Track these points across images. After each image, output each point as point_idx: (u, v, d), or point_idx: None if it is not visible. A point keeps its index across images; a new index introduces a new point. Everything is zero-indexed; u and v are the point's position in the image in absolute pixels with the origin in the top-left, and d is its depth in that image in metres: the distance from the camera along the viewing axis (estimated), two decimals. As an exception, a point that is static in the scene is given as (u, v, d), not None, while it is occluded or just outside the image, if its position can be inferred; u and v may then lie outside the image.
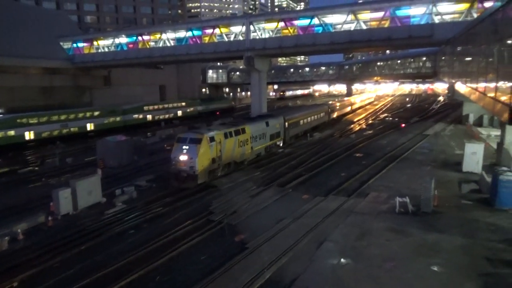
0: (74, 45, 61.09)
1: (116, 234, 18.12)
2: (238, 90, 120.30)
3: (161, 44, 53.84)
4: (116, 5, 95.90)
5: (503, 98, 12.79)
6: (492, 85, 14.96)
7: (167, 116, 64.55)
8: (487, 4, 32.45)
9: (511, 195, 18.87)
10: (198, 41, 50.94)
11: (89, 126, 50.57)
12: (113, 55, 57.24)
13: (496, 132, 37.50)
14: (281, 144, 37.43)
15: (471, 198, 20.81)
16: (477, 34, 20.41)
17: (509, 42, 12.76)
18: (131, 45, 56.55)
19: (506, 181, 18.76)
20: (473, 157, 25.98)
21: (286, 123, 38.09)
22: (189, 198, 22.89)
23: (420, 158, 31.32)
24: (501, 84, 13.65)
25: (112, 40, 58.33)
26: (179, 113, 67.65)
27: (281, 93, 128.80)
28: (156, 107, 62.70)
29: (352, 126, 53.48)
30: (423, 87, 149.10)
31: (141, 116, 59.04)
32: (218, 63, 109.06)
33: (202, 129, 27.66)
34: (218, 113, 76.82)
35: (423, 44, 48.32)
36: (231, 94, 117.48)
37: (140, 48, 55.45)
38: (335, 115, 58.01)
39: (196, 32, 50.85)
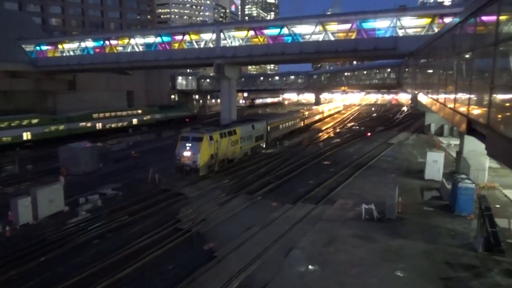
0: (38, 48, 58.86)
1: (79, 244, 17.45)
2: (208, 97, 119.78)
3: (129, 49, 52.86)
4: (82, 9, 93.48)
5: (462, 109, 13.42)
6: (452, 96, 15.68)
7: (120, 124, 59.64)
8: (447, 20, 34.14)
9: (469, 202, 19.76)
10: (168, 47, 50.42)
11: (26, 135, 45.31)
12: (78, 59, 55.58)
13: (455, 142, 39.30)
14: (264, 145, 40.74)
15: (432, 205, 21.61)
16: (437, 48, 21.39)
17: (466, 56, 13.44)
18: (97, 50, 55.14)
19: (464, 189, 19.65)
20: (435, 165, 27.07)
21: (268, 127, 41.85)
22: (156, 207, 22.43)
23: (385, 166, 32.26)
24: (460, 96, 14.34)
25: (78, 44, 56.67)
26: (134, 121, 62.98)
27: (251, 101, 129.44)
28: (107, 114, 57.93)
29: (320, 134, 54.41)
30: (388, 97, 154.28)
31: (89, 124, 54.26)
32: (188, 70, 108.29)
33: (201, 130, 31.49)
34: (187, 119, 76.05)
35: (388, 56, 50.08)
36: (200, 101, 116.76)
37: (107, 53, 54.16)
38: (307, 122, 60.26)
39: (165, 38, 50.30)
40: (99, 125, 55.94)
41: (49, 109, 61.11)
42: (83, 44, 55.94)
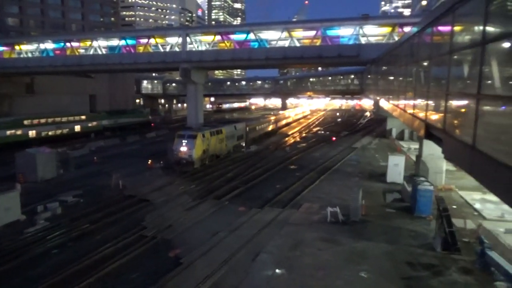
0: (-8, 48, 56.01)
1: (37, 255, 16.64)
2: (174, 101, 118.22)
3: (91, 52, 51.34)
4: (42, 9, 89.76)
5: (420, 115, 14.00)
6: (411, 103, 16.34)
7: (59, 131, 52.47)
8: (406, 29, 35.64)
9: (428, 204, 20.59)
10: (133, 51, 49.41)
11: None
12: (38, 61, 53.33)
13: (415, 146, 40.88)
14: (243, 144, 44.43)
15: (394, 207, 22.35)
16: (397, 56, 22.26)
17: (424, 64, 14.06)
18: (58, 52, 53.17)
19: (424, 191, 20.46)
20: (396, 168, 28.03)
21: (247, 128, 46.25)
22: (120, 214, 21.80)
23: (349, 170, 33.05)
24: (419, 102, 14.96)
25: (36, 45, 54.43)
26: (77, 128, 55.92)
27: (218, 106, 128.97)
28: (43, 120, 50.35)
29: (287, 139, 55.01)
30: (352, 103, 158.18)
31: (19, 132, 46.65)
32: (154, 74, 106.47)
33: (195, 128, 36.70)
34: (153, 124, 74.56)
35: (351, 63, 51.54)
36: (166, 105, 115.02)
37: (68, 55, 52.35)
38: (276, 126, 62.18)
39: (130, 41, 49.31)
40: (32, 133, 48.32)
41: (3, 113, 58.11)
42: (42, 46, 53.78)
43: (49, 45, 53.70)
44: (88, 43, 51.70)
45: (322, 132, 64.78)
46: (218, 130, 37.70)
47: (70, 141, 51.00)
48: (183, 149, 32.81)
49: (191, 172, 31.93)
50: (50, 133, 51.21)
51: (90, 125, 59.22)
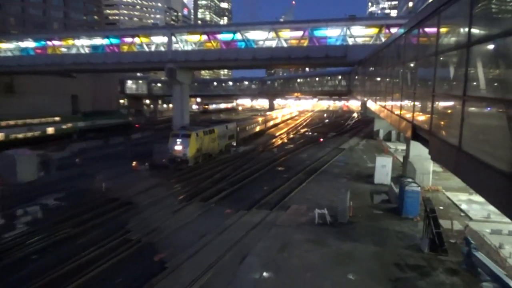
0: (-31, 47, 54.72)
1: (16, 260, 16.30)
2: (160, 102, 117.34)
3: (74, 51, 50.59)
4: (22, 7, 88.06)
5: (407, 116, 14.18)
6: (398, 104, 16.54)
7: (30, 134, 49.66)
8: (393, 30, 36.11)
9: (415, 205, 20.87)
10: (117, 50, 48.87)
11: None
12: (18, 60, 52.32)
13: (402, 147, 41.43)
14: (234, 144, 45.92)
15: (381, 208, 22.59)
16: (384, 57, 22.52)
17: (411, 65, 14.26)
18: (39, 51, 52.25)
19: (411, 192, 20.73)
20: (383, 169, 28.35)
21: (238, 128, 47.76)
22: (104, 217, 21.52)
23: (336, 171, 33.30)
24: (405, 103, 15.16)
25: (16, 43, 53.37)
26: (50, 130, 53.42)
27: (205, 106, 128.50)
28: (12, 122, 48.06)
29: (274, 140, 55.14)
30: (339, 104, 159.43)
31: None
32: (138, 74, 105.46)
33: (189, 128, 37.69)
34: (137, 125, 73.81)
35: (338, 63, 51.95)
36: (151, 106, 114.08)
37: (50, 54, 51.50)
38: (264, 126, 63.14)
39: (114, 40, 48.75)
40: (0, 136, 46.13)
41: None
42: (22, 44, 52.78)
43: (29, 44, 52.73)
44: (70, 42, 50.93)
45: (310, 133, 65.13)
46: (211, 129, 39.16)
47: (46, 144, 48.74)
48: (178, 147, 34.20)
49: (178, 174, 31.79)
50: (20, 135, 48.42)
51: (64, 127, 56.88)
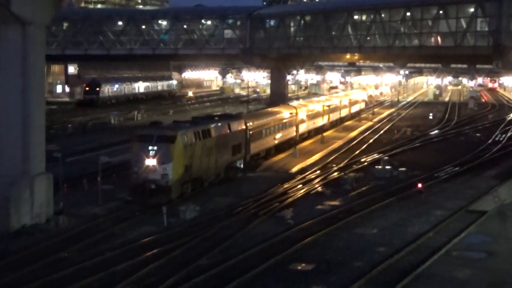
0: None
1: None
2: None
3: None
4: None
5: None
6: None
7: None
8: None
9: None
10: None
11: None
12: None
13: None
14: (241, 164, 30.38)
15: None
16: None
17: None
18: None
19: None
20: None
21: (250, 131, 29.95)
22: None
23: (462, 277, 11.80)
24: None
25: None
26: None
27: (89, 88, 68.69)
28: None
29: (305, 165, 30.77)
30: (471, 83, 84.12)
31: None
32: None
33: (170, 125, 25.03)
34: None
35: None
36: None
37: None
38: (300, 128, 39.43)
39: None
40: None
41: None
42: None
43: None
44: None
45: (388, 161, 30.80)
46: (205, 129, 24.47)
47: None
48: (150, 162, 20.94)
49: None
50: None
51: None
